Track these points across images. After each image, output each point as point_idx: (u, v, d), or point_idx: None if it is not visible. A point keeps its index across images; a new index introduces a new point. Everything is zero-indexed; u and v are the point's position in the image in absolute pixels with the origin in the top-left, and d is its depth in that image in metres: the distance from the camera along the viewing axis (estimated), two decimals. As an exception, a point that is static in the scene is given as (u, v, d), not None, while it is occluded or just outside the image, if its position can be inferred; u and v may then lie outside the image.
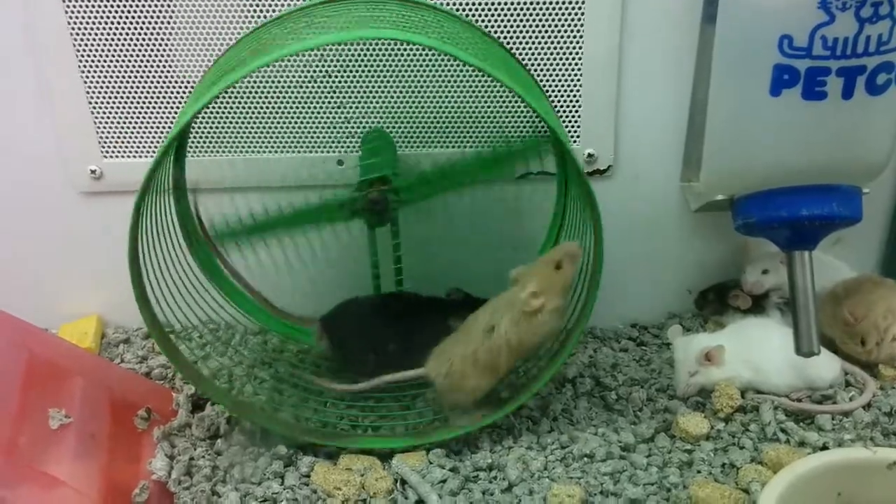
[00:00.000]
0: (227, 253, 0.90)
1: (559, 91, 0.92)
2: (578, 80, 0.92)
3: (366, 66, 0.91)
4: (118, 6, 0.88)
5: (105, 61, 0.91)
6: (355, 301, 0.94)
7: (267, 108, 0.93)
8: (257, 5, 0.88)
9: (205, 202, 0.89)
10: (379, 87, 0.92)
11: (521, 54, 0.90)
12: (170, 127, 0.94)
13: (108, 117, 0.93)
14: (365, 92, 0.92)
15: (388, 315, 0.92)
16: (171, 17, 0.88)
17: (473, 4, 0.88)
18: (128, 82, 0.92)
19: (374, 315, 0.92)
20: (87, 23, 0.89)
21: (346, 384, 0.87)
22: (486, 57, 0.72)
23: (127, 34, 0.89)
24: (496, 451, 0.83)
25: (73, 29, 0.89)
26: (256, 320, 0.95)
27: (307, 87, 0.92)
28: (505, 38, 0.89)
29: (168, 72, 0.91)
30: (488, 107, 0.93)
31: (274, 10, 0.88)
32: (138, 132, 0.94)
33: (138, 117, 0.93)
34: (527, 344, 0.81)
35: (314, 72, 0.91)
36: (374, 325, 0.91)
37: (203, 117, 0.92)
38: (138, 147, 0.95)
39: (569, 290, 0.81)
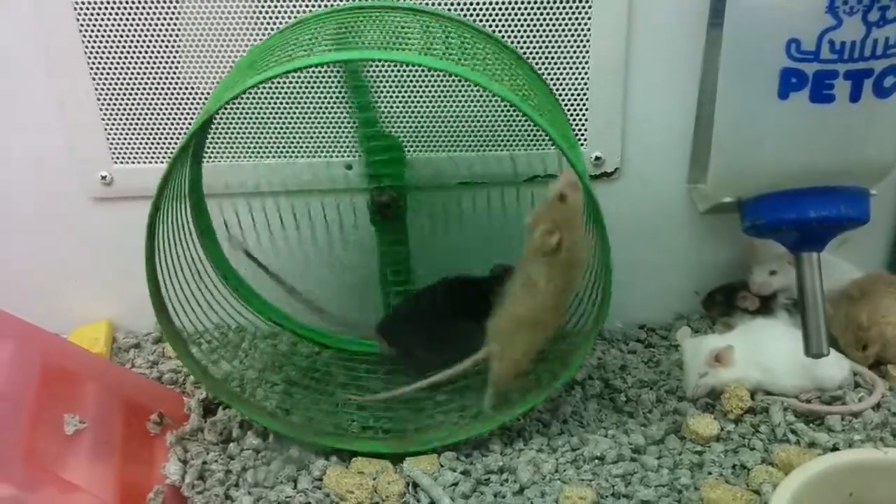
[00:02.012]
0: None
1: (567, 94, 0.93)
2: (586, 83, 0.92)
3: (375, 71, 0.91)
4: (129, 13, 0.88)
5: (116, 67, 0.91)
6: (407, 300, 0.95)
7: (276, 112, 0.93)
8: (268, 13, 0.88)
9: (214, 206, 0.89)
10: (388, 91, 0.92)
11: (529, 58, 0.91)
12: (180, 133, 0.94)
13: (119, 123, 0.94)
14: (374, 96, 0.92)
15: (439, 308, 0.92)
16: (181, 23, 0.89)
17: (483, 8, 0.88)
18: (138, 88, 0.92)
19: (427, 311, 0.93)
20: (99, 29, 0.89)
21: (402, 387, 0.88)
22: (504, 78, 0.72)
23: (137, 40, 0.90)
24: (507, 454, 0.83)
25: (84, 35, 0.89)
26: (270, 323, 0.95)
27: (316, 91, 0.92)
28: (513, 41, 0.90)
29: (178, 78, 0.92)
30: (495, 111, 0.93)
31: (286, 17, 0.88)
32: (149, 138, 0.95)
33: (149, 123, 0.94)
34: (562, 285, 0.80)
35: (324, 77, 0.91)
36: (428, 321, 0.91)
37: (213, 122, 0.93)
38: (149, 153, 0.95)
39: (580, 217, 0.80)
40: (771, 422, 0.85)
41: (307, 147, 0.95)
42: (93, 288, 1.04)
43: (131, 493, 0.75)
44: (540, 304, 0.80)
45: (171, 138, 0.95)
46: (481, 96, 0.92)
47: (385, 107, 0.93)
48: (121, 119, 0.94)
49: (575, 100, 0.93)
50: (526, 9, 0.88)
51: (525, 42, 0.90)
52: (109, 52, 0.90)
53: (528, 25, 0.89)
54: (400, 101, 0.92)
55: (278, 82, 0.91)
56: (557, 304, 0.81)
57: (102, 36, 0.89)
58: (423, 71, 0.91)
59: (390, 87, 0.92)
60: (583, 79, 0.92)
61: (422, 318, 0.92)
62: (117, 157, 0.96)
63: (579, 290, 0.85)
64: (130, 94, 0.93)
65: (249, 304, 0.94)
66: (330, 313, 0.95)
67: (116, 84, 0.92)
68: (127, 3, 0.88)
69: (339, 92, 0.92)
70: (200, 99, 0.93)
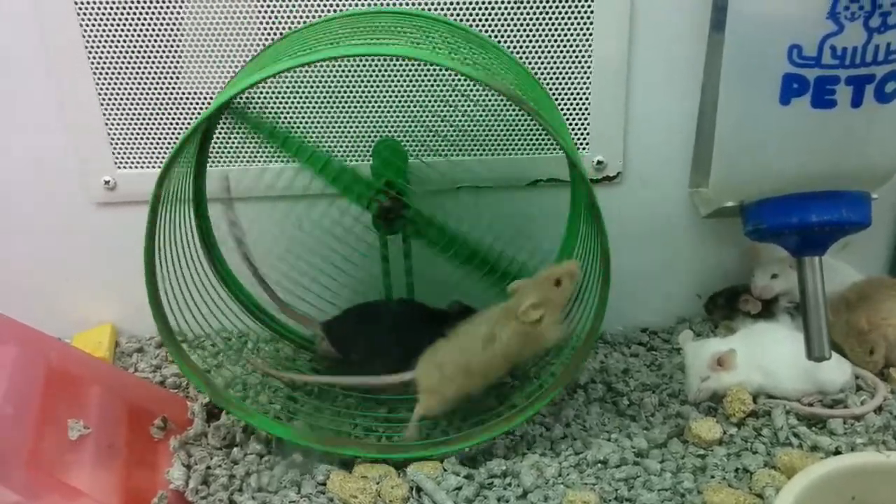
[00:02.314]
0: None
1: (569, 98, 0.93)
2: (588, 87, 0.93)
3: (377, 75, 0.91)
4: (132, 18, 0.89)
5: (119, 72, 0.91)
6: (359, 306, 0.95)
7: (278, 116, 0.93)
8: (272, 18, 0.89)
9: (216, 210, 0.90)
10: (390, 96, 0.92)
11: (530, 63, 0.91)
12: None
13: (122, 128, 0.94)
14: (376, 101, 0.93)
15: (388, 321, 0.93)
16: (184, 27, 0.89)
17: (485, 13, 0.89)
18: (142, 93, 0.93)
19: (374, 320, 0.93)
20: (102, 34, 0.89)
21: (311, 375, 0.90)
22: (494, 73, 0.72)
23: (141, 45, 0.90)
24: (510, 458, 0.84)
25: (87, 40, 0.89)
26: (269, 328, 0.96)
27: (319, 95, 0.92)
28: (515, 46, 0.90)
29: (181, 83, 0.92)
30: (497, 116, 0.93)
31: (290, 22, 0.89)
32: (152, 143, 0.95)
33: (152, 128, 0.94)
34: (523, 355, 0.84)
35: (327, 81, 0.91)
36: (373, 330, 0.92)
37: (216, 126, 0.93)
38: (152, 158, 0.96)
39: (564, 305, 0.84)
40: (773, 425, 0.86)
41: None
42: (96, 292, 1.04)
43: (135, 499, 0.75)
44: (490, 359, 0.82)
45: (176, 142, 0.95)
46: (483, 101, 0.92)
47: (387, 111, 0.93)
48: (124, 124, 0.94)
49: (577, 104, 0.93)
50: (528, 14, 0.89)
51: (527, 47, 0.90)
52: (112, 56, 0.91)
53: (531, 30, 0.90)
54: (401, 106, 0.93)
55: (281, 86, 0.91)
56: (503, 365, 0.83)
57: (105, 40, 0.90)
58: (425, 76, 0.91)
59: (391, 91, 0.92)
60: (585, 83, 0.92)
61: (370, 324, 0.93)
62: (120, 162, 0.96)
63: (580, 291, 0.86)
64: (134, 99, 0.93)
65: (251, 312, 0.94)
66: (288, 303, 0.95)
67: (119, 89, 0.92)
68: (130, 6, 0.88)
69: (342, 95, 0.92)
70: (204, 104, 0.93)
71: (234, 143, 0.94)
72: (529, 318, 0.81)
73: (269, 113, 0.93)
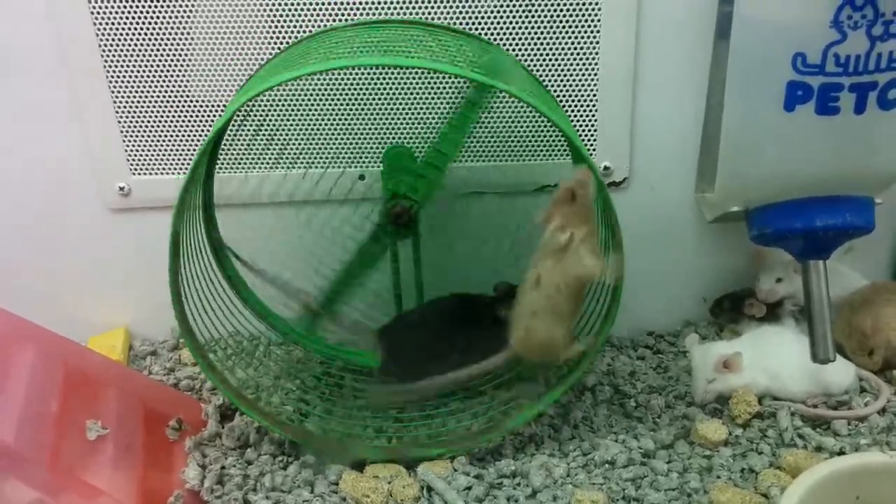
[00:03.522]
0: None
1: (576, 105, 0.95)
2: (595, 94, 0.94)
3: (386, 82, 0.93)
4: (147, 26, 0.90)
5: (134, 79, 0.93)
6: (410, 313, 0.96)
7: (289, 123, 0.95)
8: (284, 26, 0.90)
9: (227, 217, 0.91)
10: (400, 103, 0.94)
11: (538, 69, 0.93)
12: (197, 144, 0.96)
13: (137, 135, 0.96)
14: (386, 108, 0.94)
15: (441, 322, 0.93)
16: (199, 36, 0.91)
17: (494, 22, 0.90)
18: (156, 100, 0.94)
19: (428, 324, 0.94)
20: (117, 41, 0.91)
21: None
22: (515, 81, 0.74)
23: (155, 52, 0.92)
24: (519, 459, 0.85)
25: (102, 47, 0.91)
26: (281, 331, 0.97)
27: (329, 102, 0.94)
28: (523, 52, 0.92)
29: (195, 90, 0.94)
30: (507, 121, 0.95)
31: (302, 30, 0.90)
32: (166, 149, 0.97)
33: (166, 135, 0.96)
34: (574, 281, 0.79)
35: (336, 88, 0.93)
36: (429, 334, 0.92)
37: (227, 133, 0.95)
38: (166, 164, 0.97)
39: (591, 215, 0.80)
40: (778, 426, 0.87)
41: (320, 157, 0.97)
42: (110, 296, 1.06)
43: (152, 498, 0.76)
44: (550, 296, 0.79)
45: (189, 150, 0.97)
46: (496, 105, 0.94)
47: (397, 118, 0.94)
48: (139, 130, 0.96)
49: (584, 111, 0.95)
50: (536, 22, 0.90)
51: (535, 54, 0.92)
52: (127, 64, 0.92)
53: (539, 38, 0.91)
54: (411, 112, 0.94)
55: (291, 93, 0.93)
56: (570, 297, 0.80)
57: (121, 47, 0.91)
58: (434, 82, 0.93)
59: (401, 97, 0.93)
60: (592, 90, 0.94)
61: (423, 328, 0.93)
62: (135, 169, 0.97)
63: (590, 293, 0.87)
64: (148, 106, 0.94)
65: (261, 316, 0.95)
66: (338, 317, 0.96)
67: (134, 96, 0.94)
68: (145, 13, 0.89)
69: (351, 102, 0.94)
70: (218, 111, 0.94)
71: (239, 149, 0.96)
72: (560, 242, 0.77)
73: (282, 119, 0.94)
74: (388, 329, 0.94)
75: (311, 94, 0.93)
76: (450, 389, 0.89)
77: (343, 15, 0.90)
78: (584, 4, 0.89)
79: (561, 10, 0.90)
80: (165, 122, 0.95)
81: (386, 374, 0.92)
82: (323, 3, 0.89)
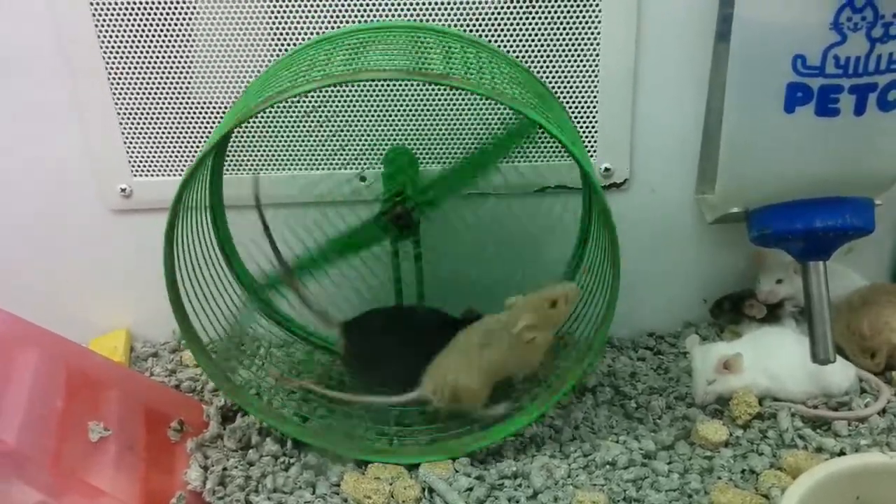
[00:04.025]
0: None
1: (576, 107, 0.95)
2: (595, 96, 0.94)
3: (388, 85, 0.93)
4: (149, 26, 0.90)
5: (135, 81, 0.93)
6: (378, 311, 0.96)
7: (291, 125, 0.95)
8: (286, 30, 0.90)
9: (232, 218, 0.92)
10: (401, 105, 0.94)
11: (539, 71, 0.93)
12: (199, 146, 0.96)
13: (138, 136, 0.96)
14: (387, 110, 0.94)
15: (404, 327, 0.94)
16: (201, 37, 0.91)
17: (493, 24, 0.90)
18: (158, 101, 0.94)
19: (392, 326, 0.94)
20: (118, 42, 0.91)
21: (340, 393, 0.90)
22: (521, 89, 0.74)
23: (157, 54, 0.92)
24: (520, 460, 0.85)
25: (104, 48, 0.91)
26: (288, 331, 0.97)
27: (332, 105, 0.94)
28: (523, 54, 0.92)
29: (197, 91, 0.94)
30: (507, 123, 0.95)
31: (303, 34, 0.90)
32: (168, 151, 0.97)
33: (168, 136, 0.96)
34: (514, 367, 0.87)
35: (339, 91, 0.93)
36: (390, 335, 0.93)
37: (231, 135, 0.95)
38: (168, 166, 0.97)
39: (557, 326, 0.86)
40: (779, 427, 0.87)
41: (321, 159, 0.97)
42: (111, 298, 1.06)
43: (154, 499, 0.76)
44: (488, 366, 0.85)
45: (191, 151, 0.97)
46: (496, 107, 0.94)
47: (398, 120, 0.95)
48: (140, 132, 0.96)
49: (585, 112, 0.95)
50: (536, 24, 0.90)
51: (536, 56, 0.92)
52: (129, 65, 0.92)
53: (539, 39, 0.91)
54: (412, 114, 0.94)
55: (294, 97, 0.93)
56: (497, 373, 0.86)
57: (122, 49, 0.91)
58: (434, 85, 0.93)
59: (402, 99, 0.94)
60: (592, 91, 0.94)
61: (383, 332, 0.93)
62: (137, 170, 0.98)
63: (587, 295, 0.89)
64: (150, 107, 0.95)
65: (271, 316, 0.96)
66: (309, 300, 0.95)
67: (136, 97, 0.94)
68: (147, 15, 0.90)
69: (355, 104, 0.94)
70: (220, 112, 0.95)
71: (247, 150, 0.96)
72: (525, 339, 0.83)
73: (284, 120, 0.95)
74: (354, 324, 0.94)
75: (313, 95, 0.93)
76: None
77: (346, 18, 0.90)
78: (584, 6, 0.90)
79: (561, 12, 0.90)
80: (167, 123, 0.95)
81: (346, 366, 0.95)
82: (325, 6, 0.89)
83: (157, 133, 0.96)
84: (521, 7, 0.90)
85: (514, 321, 0.83)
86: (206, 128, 0.96)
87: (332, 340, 0.99)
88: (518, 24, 0.91)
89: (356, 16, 0.90)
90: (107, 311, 1.06)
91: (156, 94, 0.94)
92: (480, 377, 0.85)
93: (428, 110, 0.94)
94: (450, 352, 0.86)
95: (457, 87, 0.71)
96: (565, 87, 0.94)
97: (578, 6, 0.90)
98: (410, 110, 0.94)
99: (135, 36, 0.91)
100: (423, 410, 0.89)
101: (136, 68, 0.92)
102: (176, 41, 0.91)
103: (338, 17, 0.90)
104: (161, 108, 0.95)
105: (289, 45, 0.91)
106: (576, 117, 0.95)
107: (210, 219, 0.89)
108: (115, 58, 0.92)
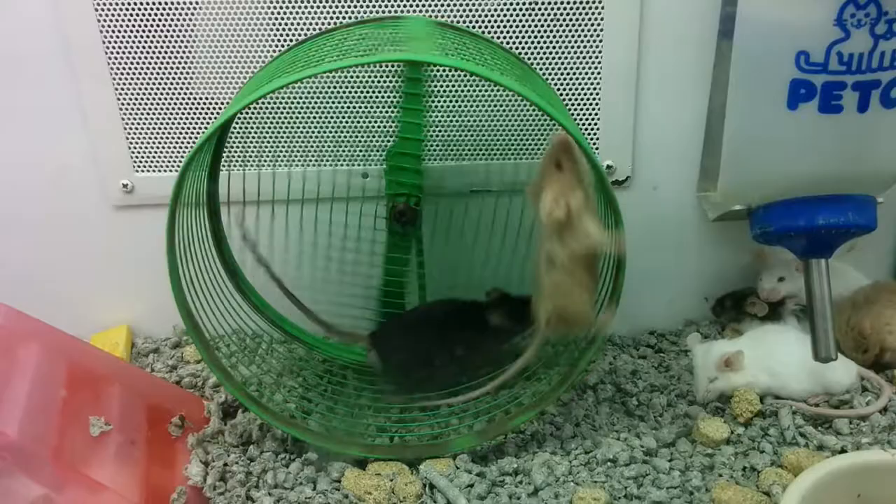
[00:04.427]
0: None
1: (579, 104, 0.95)
2: (597, 93, 0.94)
3: (390, 80, 0.93)
4: (151, 23, 0.90)
5: (138, 77, 0.93)
6: (402, 316, 0.96)
7: (292, 121, 0.95)
8: (286, 26, 0.90)
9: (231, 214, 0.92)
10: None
11: (541, 68, 0.93)
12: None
13: (140, 132, 0.96)
14: (390, 106, 0.94)
15: (433, 326, 0.94)
16: (202, 34, 0.91)
17: (497, 21, 0.90)
18: (160, 98, 0.94)
19: (420, 328, 0.94)
20: (121, 39, 0.91)
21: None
22: (520, 77, 0.74)
23: (159, 50, 0.92)
24: (521, 457, 0.85)
25: (106, 45, 0.91)
26: (285, 330, 0.97)
27: (333, 100, 0.94)
28: (526, 51, 0.92)
29: (199, 88, 0.94)
30: (510, 119, 0.95)
31: (303, 30, 0.90)
32: (169, 147, 0.97)
33: (169, 132, 0.96)
34: (584, 248, 0.76)
35: (340, 86, 0.93)
36: (420, 338, 0.93)
37: (231, 131, 0.95)
38: (169, 161, 0.97)
39: (581, 178, 0.75)
40: (780, 425, 0.87)
41: (323, 155, 0.97)
42: (113, 294, 1.06)
43: (155, 494, 0.76)
44: (566, 271, 0.77)
45: (192, 146, 0.96)
46: (499, 103, 0.94)
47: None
48: (142, 128, 0.96)
49: (587, 110, 0.95)
50: (539, 21, 0.90)
51: (538, 52, 0.92)
52: (131, 62, 0.92)
53: (542, 36, 0.91)
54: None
55: (295, 91, 0.93)
56: (587, 265, 0.78)
57: (124, 45, 0.91)
58: (439, 79, 0.93)
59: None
60: (595, 89, 0.94)
61: (413, 332, 0.93)
62: (138, 166, 0.98)
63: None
64: (152, 103, 0.95)
65: (263, 314, 0.96)
66: (332, 324, 0.96)
67: (138, 93, 0.94)
68: (150, 12, 0.90)
69: (354, 101, 0.94)
70: (221, 108, 0.95)
71: (247, 146, 0.96)
72: (558, 215, 0.74)
73: (285, 116, 0.95)
74: (381, 334, 0.94)
75: (315, 92, 0.93)
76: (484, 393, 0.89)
77: (346, 13, 0.90)
78: (587, 3, 0.89)
79: (564, 9, 0.90)
80: (168, 119, 0.95)
81: (386, 382, 0.94)
82: (325, 3, 0.89)
83: (159, 129, 0.96)
84: (524, 4, 0.90)
85: (539, 210, 0.75)
86: (207, 123, 0.96)
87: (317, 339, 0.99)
88: (521, 20, 0.90)
89: (355, 12, 0.90)
90: (108, 306, 1.06)
91: (157, 89, 0.94)
92: (570, 288, 0.77)
93: (432, 106, 0.94)
94: (534, 288, 0.80)
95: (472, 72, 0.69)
96: (568, 84, 0.94)
97: (582, 3, 0.89)
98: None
99: (137, 33, 0.91)
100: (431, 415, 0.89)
101: (137, 64, 0.92)
102: (177, 38, 0.91)
103: (337, 13, 0.90)
104: (163, 104, 0.95)
105: (288, 40, 0.91)
106: (578, 114, 0.95)
107: (208, 215, 0.88)
108: (118, 54, 0.92)
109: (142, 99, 0.94)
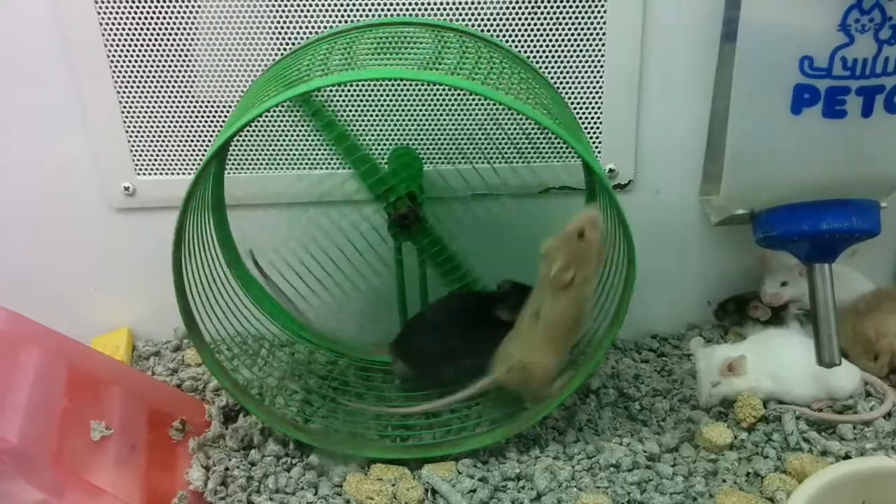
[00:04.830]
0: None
1: (581, 108, 0.94)
2: (600, 96, 0.94)
3: (393, 84, 0.93)
4: (153, 26, 0.90)
5: (139, 79, 0.93)
6: (418, 317, 0.96)
7: (293, 125, 0.95)
8: (288, 25, 0.90)
9: (234, 217, 0.91)
10: (405, 104, 0.94)
11: (543, 71, 0.92)
12: (202, 145, 0.96)
13: (142, 134, 0.96)
14: (392, 109, 0.94)
15: (450, 324, 0.93)
16: (204, 36, 0.91)
17: (499, 24, 0.90)
18: (161, 100, 0.94)
19: (440, 328, 0.94)
20: (123, 41, 0.91)
21: (408, 405, 0.89)
22: (521, 91, 0.73)
23: (161, 53, 0.91)
24: (523, 461, 0.85)
25: (108, 47, 0.91)
26: (290, 332, 0.97)
27: (336, 103, 0.94)
28: (528, 54, 0.92)
29: (200, 90, 0.93)
30: (511, 122, 0.95)
31: (305, 29, 0.90)
32: (171, 150, 0.96)
33: (172, 134, 0.96)
34: (572, 318, 0.82)
35: (344, 90, 0.93)
36: (441, 335, 0.92)
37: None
38: (171, 164, 0.97)
39: (596, 256, 0.80)
40: (783, 430, 0.87)
41: (325, 158, 0.96)
42: (114, 297, 1.06)
43: (156, 499, 0.76)
44: (548, 330, 0.82)
45: (194, 150, 0.96)
46: (500, 106, 0.94)
47: (402, 120, 0.94)
48: (144, 130, 0.95)
49: (589, 113, 0.95)
50: (541, 24, 0.90)
51: (540, 55, 0.92)
52: (133, 64, 0.92)
53: (544, 39, 0.91)
54: (417, 115, 0.94)
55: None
56: (567, 332, 0.83)
57: (126, 47, 0.91)
58: (439, 85, 0.93)
59: (405, 100, 0.93)
60: (597, 92, 0.94)
61: (434, 333, 0.93)
62: (140, 168, 0.97)
63: (597, 295, 0.87)
64: (154, 106, 0.94)
65: (272, 316, 0.95)
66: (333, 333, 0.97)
67: (140, 96, 0.94)
68: (151, 14, 0.89)
69: (359, 103, 0.94)
70: (223, 111, 0.94)
71: (249, 150, 0.96)
72: (563, 281, 0.78)
73: (286, 120, 0.94)
74: (402, 341, 0.94)
75: (318, 94, 0.93)
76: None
77: (349, 16, 0.90)
78: (589, 6, 0.89)
79: (567, 12, 0.90)
80: (170, 121, 0.95)
81: (405, 382, 0.94)
82: (327, 3, 0.89)
83: (161, 131, 0.96)
84: (526, 7, 0.89)
85: (548, 269, 0.79)
86: (209, 126, 0.95)
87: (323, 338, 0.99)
88: (523, 24, 0.90)
89: (361, 13, 0.90)
90: (109, 309, 1.06)
91: (159, 92, 0.94)
92: (546, 348, 0.81)
93: (433, 109, 0.94)
94: (513, 331, 0.84)
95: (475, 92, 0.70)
96: (570, 88, 0.94)
97: (584, 7, 0.89)
98: (415, 109, 0.94)
99: (139, 35, 0.91)
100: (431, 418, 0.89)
101: (139, 66, 0.92)
102: (180, 40, 0.91)
103: (341, 14, 0.90)
104: (165, 107, 0.94)
105: (291, 43, 0.91)
106: (580, 118, 0.95)
107: (213, 219, 0.88)
108: (119, 56, 0.92)
109: (144, 101, 0.94)
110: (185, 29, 0.90)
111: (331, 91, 0.93)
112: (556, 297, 0.80)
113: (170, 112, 0.95)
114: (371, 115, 0.94)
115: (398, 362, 0.94)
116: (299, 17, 0.90)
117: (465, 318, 0.92)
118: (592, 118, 0.95)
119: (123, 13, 0.89)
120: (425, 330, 0.94)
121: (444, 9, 0.89)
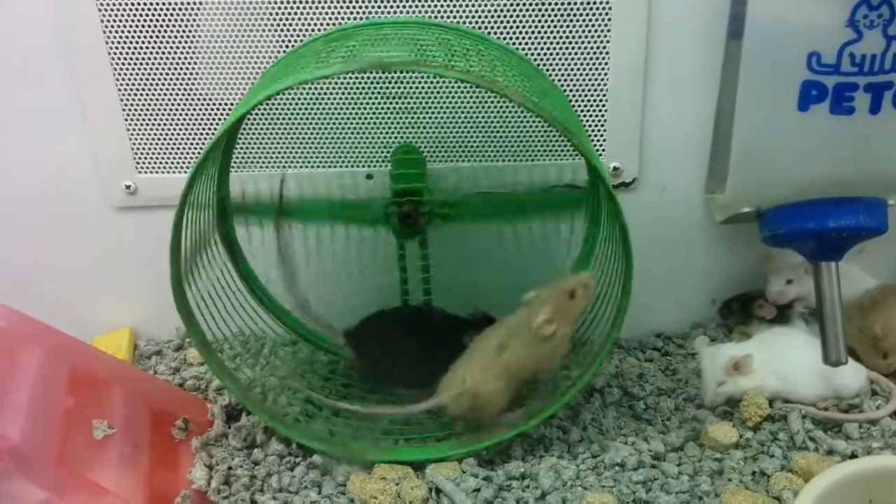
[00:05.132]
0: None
1: (585, 105, 0.94)
2: (604, 93, 0.93)
3: (395, 81, 0.92)
4: (155, 23, 0.90)
5: (141, 77, 0.92)
6: (381, 313, 0.95)
7: (296, 122, 0.94)
8: (290, 24, 0.90)
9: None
10: (409, 102, 0.93)
11: (547, 68, 0.92)
12: (204, 142, 0.96)
13: (143, 132, 0.95)
14: (395, 107, 0.93)
15: (411, 329, 0.93)
16: (206, 33, 0.90)
17: (502, 22, 0.90)
18: (163, 98, 0.94)
19: (397, 328, 0.94)
20: (124, 39, 0.90)
21: (358, 405, 0.88)
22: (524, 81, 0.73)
23: (163, 51, 0.91)
24: (528, 461, 0.84)
25: (109, 45, 0.90)
26: (293, 331, 0.97)
27: (337, 101, 0.93)
28: (532, 51, 0.91)
29: (202, 88, 0.93)
30: (515, 121, 0.94)
31: (307, 28, 0.90)
32: (173, 148, 0.96)
33: (173, 133, 0.95)
34: (535, 366, 0.84)
35: (344, 87, 0.92)
36: (396, 338, 0.92)
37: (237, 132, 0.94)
38: (172, 163, 0.97)
39: (577, 317, 0.84)
40: (789, 429, 0.86)
41: (327, 156, 0.96)
42: (115, 295, 1.05)
43: (159, 498, 0.76)
44: (506, 367, 0.83)
45: (195, 148, 0.96)
46: (504, 105, 0.93)
47: (405, 117, 0.94)
48: (145, 128, 0.95)
49: (594, 110, 0.94)
50: (546, 22, 0.90)
51: (545, 53, 0.91)
52: (134, 62, 0.92)
53: (548, 36, 0.91)
54: (421, 112, 0.94)
55: (298, 92, 0.92)
56: (523, 374, 0.84)
57: (128, 45, 0.91)
58: (442, 82, 0.92)
59: (410, 97, 0.93)
60: (602, 89, 0.93)
61: (389, 335, 0.93)
62: (141, 167, 0.97)
63: (597, 297, 0.87)
64: (155, 104, 0.94)
65: (276, 315, 0.95)
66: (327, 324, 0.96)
67: (141, 94, 0.93)
68: (153, 12, 0.89)
69: (361, 101, 0.93)
70: (225, 109, 0.94)
71: (253, 148, 0.95)
72: (545, 333, 0.81)
73: (289, 118, 0.94)
74: (358, 330, 0.94)
75: (319, 93, 0.93)
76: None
77: (350, 14, 0.89)
78: (594, 4, 0.89)
79: (571, 8, 0.89)
80: (172, 119, 0.95)
81: (356, 372, 0.94)
82: (329, 3, 0.88)
83: (162, 129, 0.95)
84: (530, 3, 0.89)
85: (533, 316, 0.81)
86: (211, 124, 0.95)
87: (326, 339, 0.98)
88: (527, 19, 0.90)
89: (361, 12, 0.89)
90: (110, 308, 1.06)
91: (161, 89, 0.93)
92: (501, 381, 0.83)
93: (436, 107, 0.93)
94: (467, 357, 0.84)
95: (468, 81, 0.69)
96: (574, 85, 0.93)
97: (589, 3, 0.89)
98: (419, 107, 0.93)
99: (140, 32, 0.90)
100: (435, 417, 0.88)
101: (141, 64, 0.92)
102: (181, 37, 0.90)
103: (342, 13, 0.89)
104: (166, 104, 0.94)
105: (293, 41, 0.90)
106: (584, 116, 0.94)
107: (216, 217, 0.88)
108: (120, 54, 0.91)
109: (145, 99, 0.94)
110: (185, 27, 0.90)
111: (335, 88, 0.92)
112: (530, 343, 0.82)
113: (171, 109, 0.94)
114: (374, 113, 0.94)
115: (348, 349, 0.93)
116: (301, 13, 0.89)
117: (426, 329, 0.93)
118: (597, 116, 0.95)
119: (124, 12, 0.89)
120: (383, 326, 0.93)
121: (447, 5, 0.89)
